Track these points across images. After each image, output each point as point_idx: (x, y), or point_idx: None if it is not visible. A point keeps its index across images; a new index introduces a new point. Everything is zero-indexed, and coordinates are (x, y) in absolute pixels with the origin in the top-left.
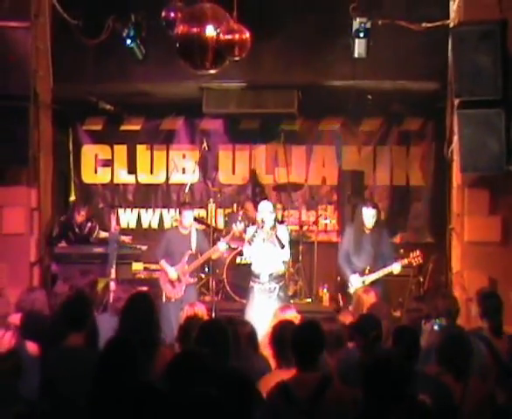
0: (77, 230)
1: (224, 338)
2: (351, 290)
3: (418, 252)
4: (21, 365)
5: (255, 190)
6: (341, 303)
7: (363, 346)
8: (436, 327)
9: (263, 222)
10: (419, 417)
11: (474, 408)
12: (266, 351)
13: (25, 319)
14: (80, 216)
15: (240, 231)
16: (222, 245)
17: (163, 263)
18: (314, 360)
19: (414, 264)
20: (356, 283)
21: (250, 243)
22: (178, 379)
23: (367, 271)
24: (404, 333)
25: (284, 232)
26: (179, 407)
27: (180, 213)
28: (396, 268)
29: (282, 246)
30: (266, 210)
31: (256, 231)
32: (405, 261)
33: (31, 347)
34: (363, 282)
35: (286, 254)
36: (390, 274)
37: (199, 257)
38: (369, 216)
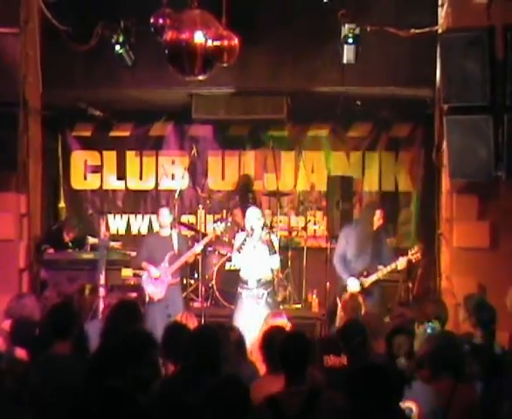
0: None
1: (215, 344)
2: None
3: (416, 248)
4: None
5: (247, 196)
6: (339, 307)
7: (348, 352)
8: (429, 331)
9: (252, 229)
10: None
11: (463, 414)
12: (255, 356)
13: (15, 326)
14: (68, 237)
15: (222, 231)
16: (197, 248)
17: (145, 264)
18: (303, 372)
19: (414, 260)
20: (353, 286)
21: (239, 252)
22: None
23: (365, 274)
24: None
25: (274, 242)
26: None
27: (157, 214)
28: (401, 263)
29: (274, 252)
30: (253, 217)
31: (245, 240)
32: (406, 258)
33: (21, 354)
34: (361, 285)
35: (275, 262)
36: (394, 270)
37: (181, 258)
38: (379, 217)
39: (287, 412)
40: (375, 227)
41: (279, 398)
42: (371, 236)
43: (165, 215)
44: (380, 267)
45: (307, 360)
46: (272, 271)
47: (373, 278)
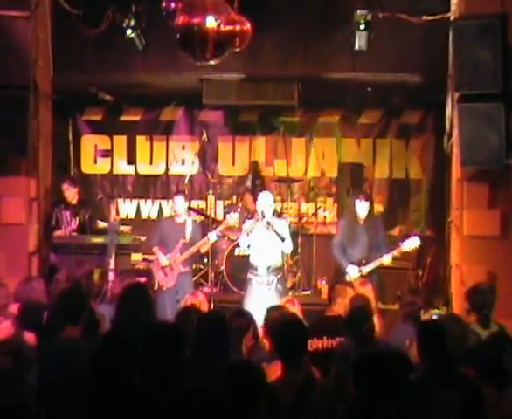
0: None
1: (224, 329)
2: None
3: None
4: (22, 352)
5: (255, 182)
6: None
7: (357, 339)
8: (435, 317)
9: (263, 215)
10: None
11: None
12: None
13: (22, 309)
14: (66, 189)
15: (234, 222)
16: (212, 236)
17: (156, 249)
18: (298, 360)
19: (409, 250)
20: (353, 273)
21: (248, 234)
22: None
23: (363, 262)
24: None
25: (284, 227)
26: (173, 405)
27: (172, 200)
28: (386, 260)
29: (282, 240)
30: (266, 202)
31: (255, 224)
32: (400, 249)
33: (29, 337)
34: (361, 272)
35: (288, 247)
36: (382, 266)
37: (192, 247)
38: (362, 208)
39: (280, 401)
40: (362, 217)
41: (273, 387)
42: (361, 227)
43: (180, 202)
44: (381, 255)
45: (302, 348)
46: (282, 256)
47: (371, 266)
